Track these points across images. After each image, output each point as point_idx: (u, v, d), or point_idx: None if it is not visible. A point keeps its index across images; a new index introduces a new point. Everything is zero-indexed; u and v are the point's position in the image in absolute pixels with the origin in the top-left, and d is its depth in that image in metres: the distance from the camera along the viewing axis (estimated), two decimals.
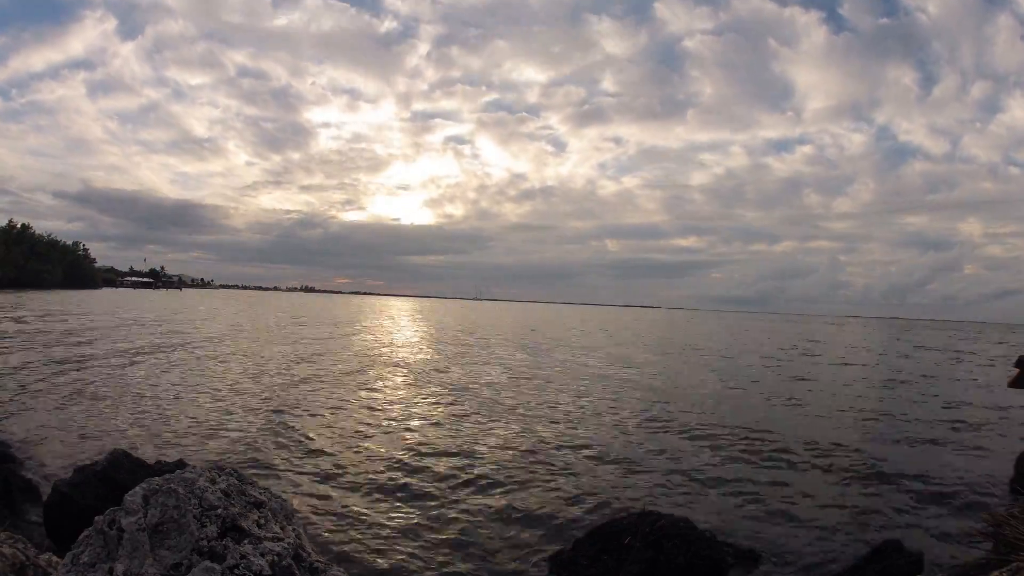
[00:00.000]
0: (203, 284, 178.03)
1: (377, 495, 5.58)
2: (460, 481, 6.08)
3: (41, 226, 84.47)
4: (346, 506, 5.25)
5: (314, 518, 4.88)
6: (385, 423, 8.63)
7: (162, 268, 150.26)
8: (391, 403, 10.27)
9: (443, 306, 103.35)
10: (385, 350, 20.37)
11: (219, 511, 1.96)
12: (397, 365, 15.98)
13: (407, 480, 6.06)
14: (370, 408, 9.70)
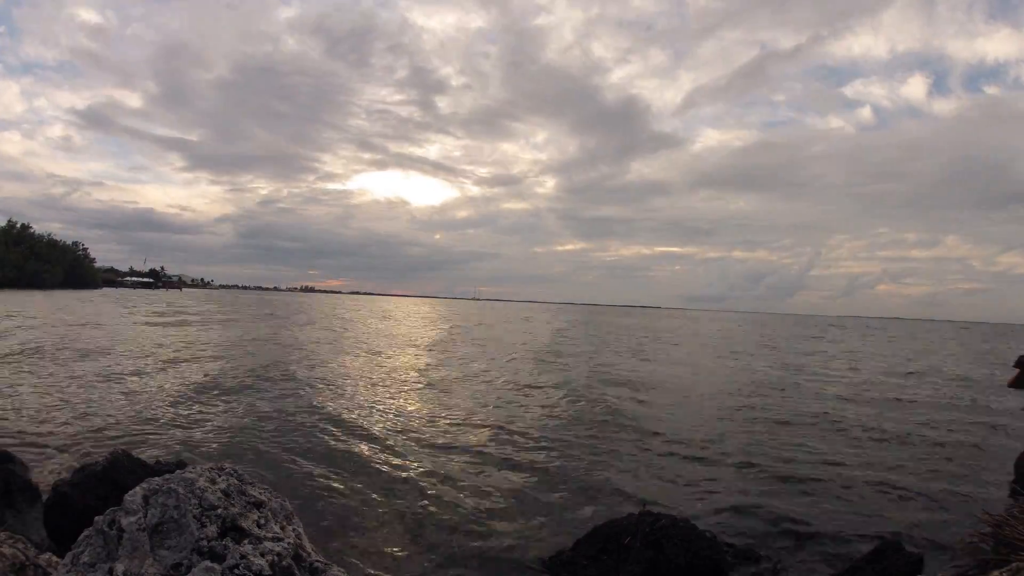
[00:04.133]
0: (203, 284, 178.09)
1: (376, 494, 5.58)
2: (459, 480, 6.08)
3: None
4: (346, 505, 5.25)
5: (314, 517, 4.88)
6: (381, 421, 8.64)
7: (162, 268, 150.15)
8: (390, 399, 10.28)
9: (470, 309, 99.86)
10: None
11: (219, 511, 1.96)
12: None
13: (406, 479, 6.06)
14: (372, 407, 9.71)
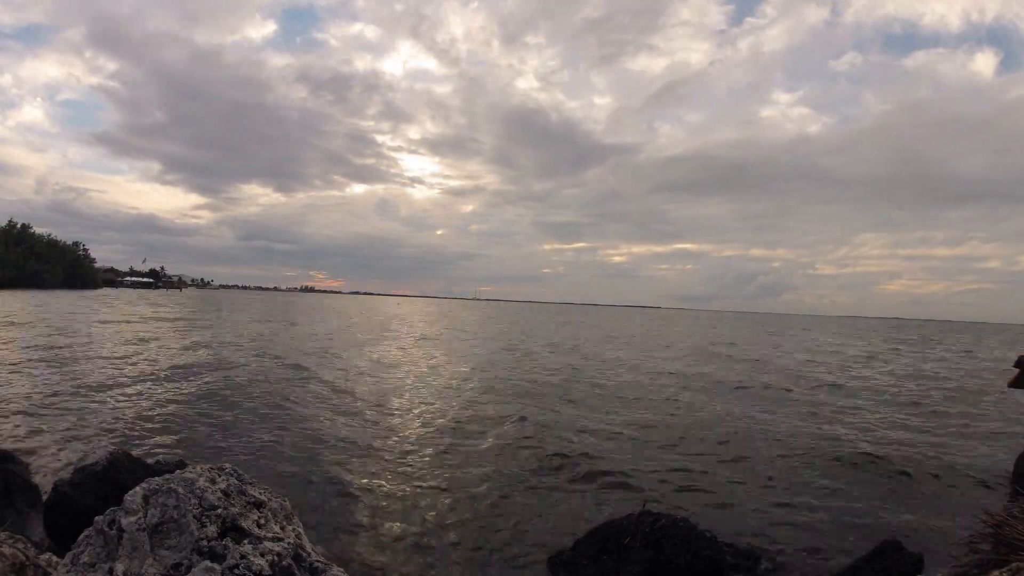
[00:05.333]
0: (203, 284, 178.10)
1: (376, 494, 5.59)
2: (460, 480, 6.08)
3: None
4: (346, 505, 5.25)
5: (314, 517, 4.88)
6: (386, 416, 8.64)
7: (162, 268, 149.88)
8: (392, 396, 10.29)
9: (495, 311, 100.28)
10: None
11: (219, 511, 1.96)
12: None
13: (406, 479, 6.06)
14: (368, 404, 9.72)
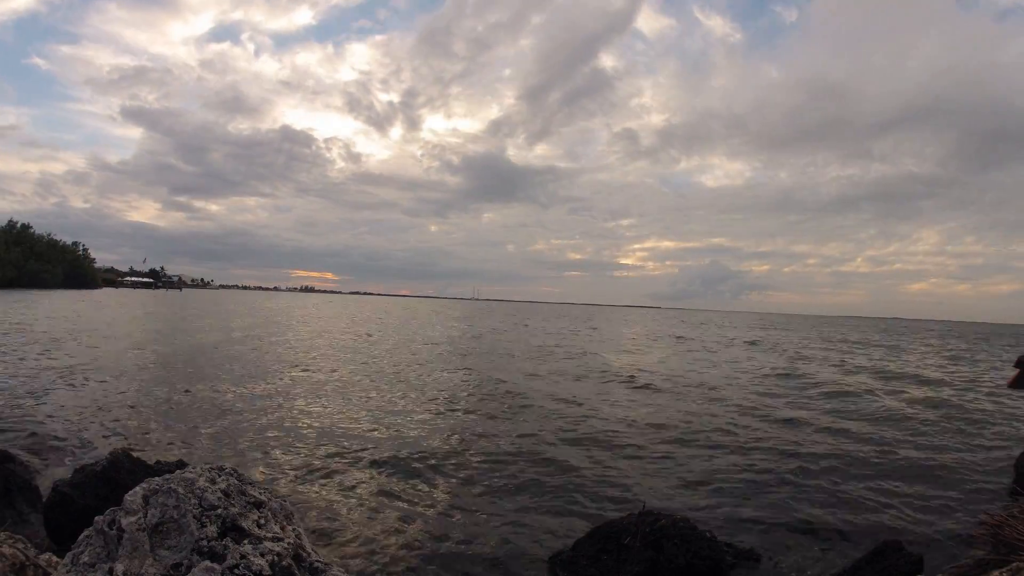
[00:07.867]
0: (203, 284, 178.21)
1: (376, 494, 5.58)
2: (459, 481, 6.08)
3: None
4: (346, 506, 5.25)
5: (314, 518, 4.88)
6: (382, 418, 8.64)
7: (162, 268, 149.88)
8: (392, 399, 10.28)
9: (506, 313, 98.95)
10: None
11: (219, 511, 1.96)
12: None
13: (406, 479, 6.06)
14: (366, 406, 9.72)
